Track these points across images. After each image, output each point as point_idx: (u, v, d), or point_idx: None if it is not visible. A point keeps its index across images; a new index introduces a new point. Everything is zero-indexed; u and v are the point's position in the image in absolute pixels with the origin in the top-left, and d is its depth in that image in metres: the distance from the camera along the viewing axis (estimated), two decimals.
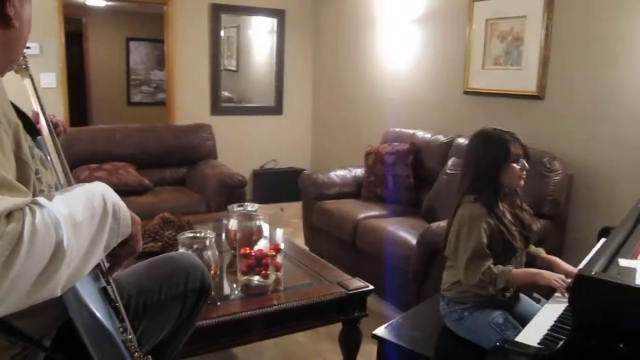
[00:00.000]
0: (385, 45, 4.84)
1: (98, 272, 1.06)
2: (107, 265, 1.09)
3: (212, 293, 1.74)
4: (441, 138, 3.86)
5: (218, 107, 5.59)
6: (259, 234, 2.47)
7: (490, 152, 1.99)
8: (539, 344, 1.49)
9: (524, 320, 1.85)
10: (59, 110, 4.70)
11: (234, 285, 2.34)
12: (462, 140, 3.64)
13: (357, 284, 2.34)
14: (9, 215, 0.73)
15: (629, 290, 1.28)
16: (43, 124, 1.18)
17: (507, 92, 3.67)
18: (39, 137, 1.06)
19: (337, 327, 2.39)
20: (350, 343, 2.36)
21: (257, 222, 2.47)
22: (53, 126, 1.23)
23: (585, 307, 1.35)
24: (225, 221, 2.75)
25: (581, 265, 1.73)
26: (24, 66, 1.24)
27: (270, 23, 5.77)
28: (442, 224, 2.66)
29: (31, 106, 1.23)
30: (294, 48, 5.86)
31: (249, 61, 6.01)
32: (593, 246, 2.15)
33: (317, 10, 5.85)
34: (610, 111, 3.07)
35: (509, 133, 2.00)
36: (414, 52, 4.51)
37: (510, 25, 3.62)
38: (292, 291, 2.30)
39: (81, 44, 7.98)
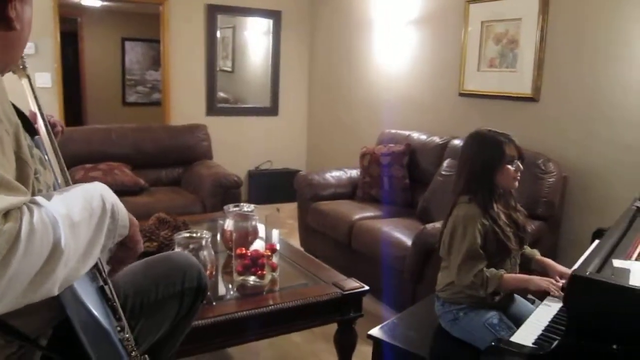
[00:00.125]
0: (381, 46, 4.85)
1: (95, 272, 1.06)
2: (104, 265, 1.09)
3: (208, 293, 1.74)
4: (436, 139, 3.88)
5: (213, 107, 5.58)
6: (255, 234, 2.48)
7: (485, 153, 2.00)
8: (533, 344, 1.50)
9: (518, 321, 1.87)
10: (54, 110, 4.69)
11: (230, 286, 2.35)
12: (457, 142, 3.65)
13: (353, 284, 2.35)
14: (6, 214, 0.73)
15: (622, 290, 1.30)
16: (41, 124, 1.18)
17: (502, 94, 3.69)
18: (36, 137, 1.06)
19: (333, 328, 2.39)
20: (345, 343, 2.36)
21: (253, 223, 2.48)
22: (51, 126, 1.23)
23: (579, 307, 1.36)
24: (220, 221, 2.75)
25: (575, 266, 1.74)
26: (21, 66, 1.23)
27: (266, 24, 5.77)
28: (438, 224, 2.66)
29: (28, 106, 1.23)
30: (289, 49, 5.86)
31: (244, 62, 6.01)
32: (587, 247, 2.16)
33: (313, 11, 5.85)
34: (605, 113, 3.09)
35: (504, 134, 2.01)
36: (409, 54, 4.53)
37: (505, 28, 3.64)
38: (288, 291, 2.30)
39: (76, 43, 7.95)
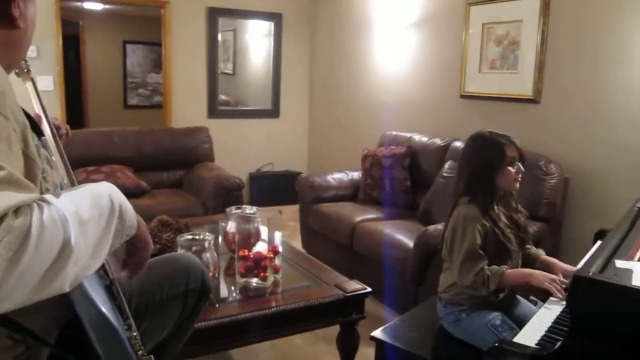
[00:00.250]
0: (382, 48, 4.86)
1: (102, 271, 1.06)
2: (111, 264, 1.10)
3: (211, 295, 1.75)
4: (438, 141, 3.88)
5: (215, 110, 5.59)
6: (257, 236, 2.48)
7: (486, 154, 2.01)
8: (536, 344, 1.50)
9: (520, 322, 1.87)
10: (56, 113, 4.70)
11: (232, 288, 2.35)
12: (458, 144, 3.66)
13: (355, 286, 2.35)
14: (16, 210, 0.74)
15: (625, 290, 1.30)
16: (45, 126, 1.19)
17: (503, 96, 3.70)
18: (43, 138, 1.07)
19: (334, 330, 2.40)
20: (348, 345, 2.36)
21: (255, 225, 2.48)
22: (55, 129, 1.24)
23: (582, 308, 1.37)
24: (222, 223, 2.75)
25: (578, 267, 1.75)
26: (25, 70, 1.24)
27: (267, 26, 5.78)
28: (439, 226, 2.67)
29: (33, 109, 1.24)
30: (290, 51, 5.87)
31: (245, 64, 6.01)
32: (589, 248, 2.17)
33: (313, 13, 5.87)
34: (606, 114, 3.09)
35: (505, 136, 2.02)
36: (410, 56, 4.53)
37: (506, 30, 3.65)
38: (290, 293, 2.31)
39: (78, 47, 7.97)
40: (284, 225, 4.84)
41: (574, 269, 1.85)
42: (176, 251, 2.21)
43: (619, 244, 1.67)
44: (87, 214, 0.86)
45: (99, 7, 7.36)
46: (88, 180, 3.90)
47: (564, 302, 1.68)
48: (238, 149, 5.65)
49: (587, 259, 1.72)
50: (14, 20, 0.96)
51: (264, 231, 2.51)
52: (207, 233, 2.31)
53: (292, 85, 5.95)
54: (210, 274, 2.13)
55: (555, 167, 3.09)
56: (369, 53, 5.05)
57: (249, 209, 2.72)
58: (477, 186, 2.00)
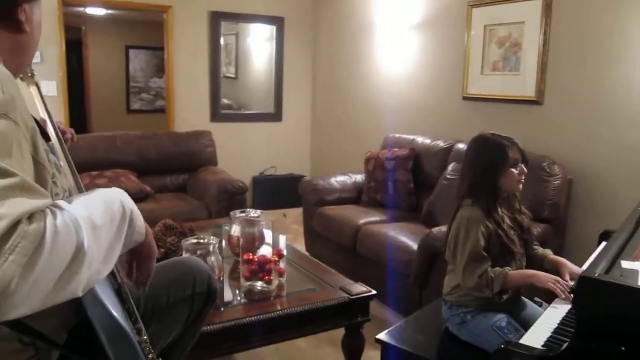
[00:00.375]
0: (384, 51, 4.86)
1: (111, 275, 1.07)
2: (119, 269, 1.10)
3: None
4: (441, 144, 3.88)
5: (217, 114, 5.60)
6: (262, 240, 2.49)
7: (488, 156, 2.01)
8: (543, 346, 1.50)
9: (526, 324, 1.87)
10: (60, 118, 4.71)
11: (237, 291, 2.35)
12: (461, 146, 3.65)
13: (360, 289, 2.35)
14: (30, 217, 0.74)
15: (632, 291, 1.30)
16: (51, 131, 1.19)
17: (505, 98, 3.69)
18: (50, 143, 1.07)
19: (338, 333, 2.40)
20: (353, 348, 2.36)
21: (260, 228, 2.48)
22: (61, 133, 1.24)
23: (589, 309, 1.36)
24: (226, 227, 2.76)
25: (584, 268, 1.75)
26: (30, 74, 1.25)
27: (270, 30, 5.79)
28: (443, 228, 2.67)
29: (38, 114, 1.24)
30: (293, 55, 5.88)
31: (248, 68, 6.03)
32: (593, 250, 2.16)
33: (316, 17, 5.88)
34: (609, 115, 3.09)
35: (507, 138, 2.02)
36: (412, 58, 4.54)
37: (508, 31, 3.65)
38: (296, 297, 2.31)
39: (81, 52, 8.00)
40: (287, 229, 4.84)
41: (582, 270, 1.85)
42: (181, 255, 2.22)
43: (625, 245, 1.67)
44: (99, 219, 0.87)
45: (101, 12, 7.38)
46: (92, 185, 3.91)
47: (570, 303, 1.68)
48: (241, 153, 5.66)
49: (593, 260, 1.72)
50: (21, 25, 0.97)
51: (268, 235, 2.52)
52: (212, 237, 2.32)
53: (294, 88, 5.96)
54: (215, 277, 2.13)
55: (558, 169, 3.09)
56: (371, 56, 5.05)
57: (253, 213, 2.72)
58: (480, 188, 2.00)
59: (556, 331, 1.58)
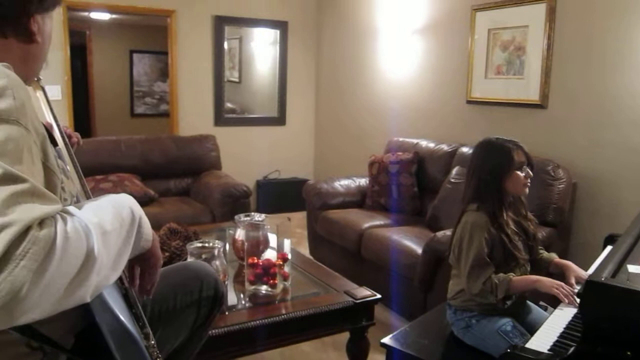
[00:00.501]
0: (388, 55, 4.87)
1: (117, 280, 1.07)
2: (126, 273, 1.10)
3: None
4: (445, 147, 3.88)
5: (221, 118, 5.61)
6: (266, 243, 2.49)
7: (493, 160, 2.01)
8: (549, 350, 1.49)
9: (531, 328, 1.86)
10: (64, 122, 4.73)
11: (242, 295, 2.35)
12: (465, 149, 3.65)
13: (365, 292, 2.35)
14: (41, 222, 0.74)
15: (638, 295, 1.29)
16: (57, 135, 1.20)
17: (509, 101, 3.70)
18: (57, 147, 1.08)
19: (342, 336, 2.39)
20: (358, 352, 2.36)
21: (264, 232, 2.48)
22: (67, 137, 1.25)
23: (595, 313, 1.36)
24: (230, 231, 2.76)
25: (590, 272, 1.74)
26: (35, 79, 1.26)
27: (273, 34, 5.81)
28: (448, 232, 2.67)
29: (44, 118, 1.25)
30: (296, 59, 5.90)
31: (251, 72, 6.04)
32: (598, 254, 2.16)
33: (319, 21, 5.89)
34: (613, 118, 3.09)
35: (512, 141, 2.02)
36: (416, 62, 4.54)
37: (512, 35, 3.65)
38: (300, 300, 2.31)
39: (85, 56, 8.03)
40: (291, 233, 4.84)
41: (586, 274, 1.85)
42: (186, 259, 2.22)
43: (630, 249, 1.66)
44: (109, 225, 0.87)
45: (105, 16, 7.41)
46: (96, 188, 3.92)
47: (576, 307, 1.68)
48: (245, 157, 5.67)
49: (599, 264, 1.72)
50: (32, 35, 0.98)
51: (272, 238, 2.52)
52: (217, 241, 2.32)
53: (298, 92, 5.96)
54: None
55: (563, 172, 3.09)
56: (374, 60, 5.06)
57: (257, 216, 2.72)
58: (485, 192, 2.00)
59: (562, 335, 1.58)
